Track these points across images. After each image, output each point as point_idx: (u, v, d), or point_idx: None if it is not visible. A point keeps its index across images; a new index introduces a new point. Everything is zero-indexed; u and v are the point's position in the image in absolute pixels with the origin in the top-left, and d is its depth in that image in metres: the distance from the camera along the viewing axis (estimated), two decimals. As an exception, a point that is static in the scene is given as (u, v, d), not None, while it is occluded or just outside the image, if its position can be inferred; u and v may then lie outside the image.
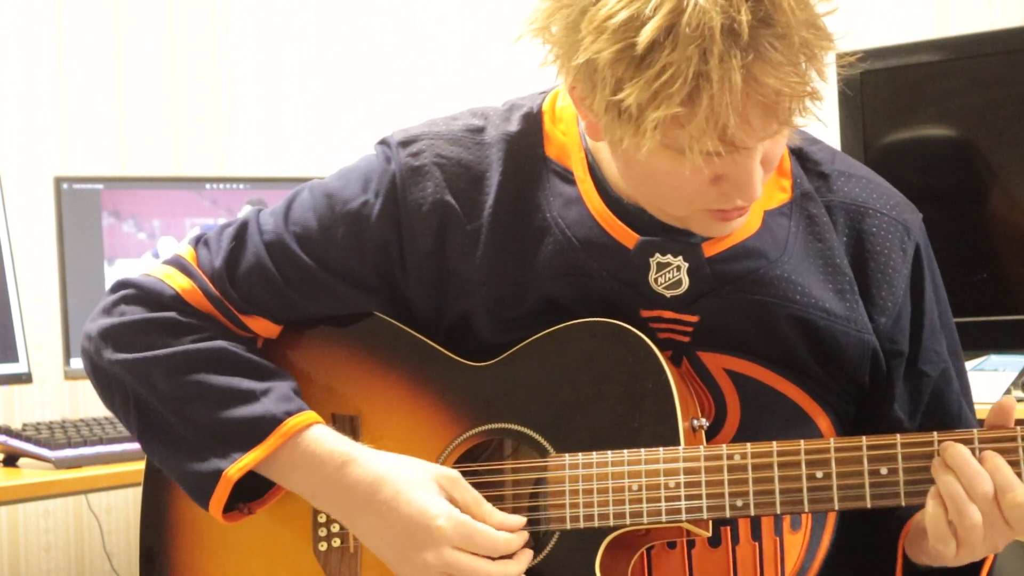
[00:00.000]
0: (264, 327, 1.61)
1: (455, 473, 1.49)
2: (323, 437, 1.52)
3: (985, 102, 2.61)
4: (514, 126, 1.57)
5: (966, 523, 1.37)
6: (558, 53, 1.40)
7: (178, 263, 1.61)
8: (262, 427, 1.51)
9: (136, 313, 1.58)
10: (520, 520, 1.48)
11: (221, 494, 1.51)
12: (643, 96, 1.31)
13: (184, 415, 1.54)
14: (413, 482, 1.47)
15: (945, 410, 1.57)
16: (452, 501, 1.47)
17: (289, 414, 1.52)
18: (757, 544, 1.52)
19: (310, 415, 1.53)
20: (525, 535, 1.48)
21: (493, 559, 1.45)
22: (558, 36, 1.39)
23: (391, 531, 1.46)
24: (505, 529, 1.46)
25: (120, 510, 3.44)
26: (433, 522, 1.44)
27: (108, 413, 2.79)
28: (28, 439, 2.51)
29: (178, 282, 1.59)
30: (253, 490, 1.56)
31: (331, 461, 1.50)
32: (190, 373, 1.54)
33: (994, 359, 2.53)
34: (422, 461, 1.50)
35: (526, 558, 1.47)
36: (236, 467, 1.50)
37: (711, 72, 1.29)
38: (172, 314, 1.57)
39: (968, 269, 2.57)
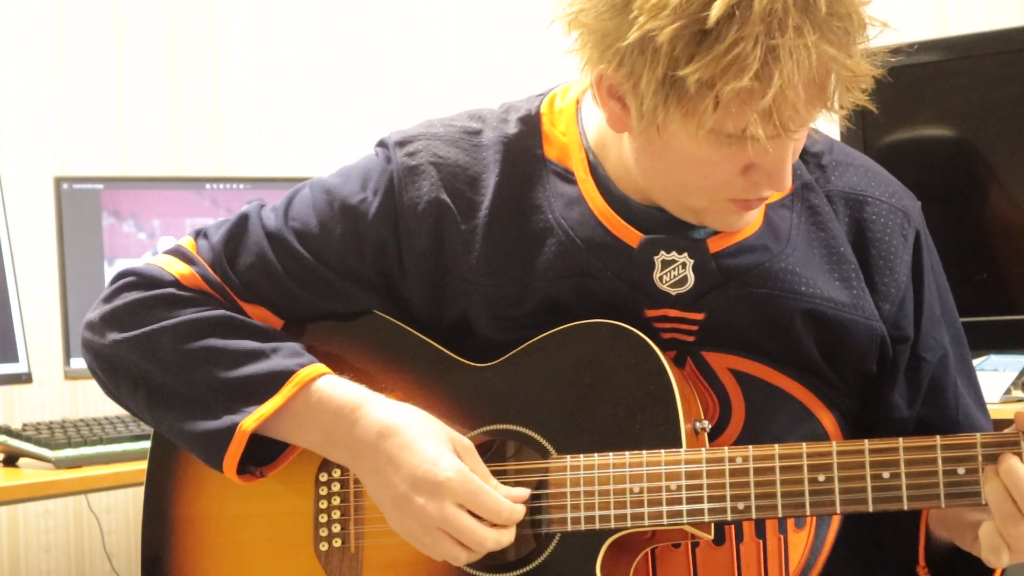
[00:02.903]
0: (263, 316, 1.61)
1: (468, 442, 1.49)
2: (337, 384, 1.52)
3: (985, 102, 2.61)
4: (511, 128, 1.57)
5: (1019, 543, 1.37)
6: (595, 39, 1.38)
7: (178, 252, 1.63)
8: (275, 380, 1.52)
9: (136, 296, 1.59)
10: (525, 491, 1.47)
11: (236, 449, 1.51)
12: (710, 71, 1.30)
13: (194, 381, 1.54)
14: (428, 434, 1.47)
15: (943, 397, 1.57)
16: None
17: (301, 366, 1.53)
18: (761, 542, 1.52)
19: (321, 367, 1.54)
20: (523, 509, 1.47)
21: (491, 526, 1.44)
22: (598, 21, 1.37)
23: (397, 475, 1.46)
24: (510, 500, 1.46)
25: (120, 510, 3.43)
26: (442, 474, 1.44)
27: (108, 413, 2.81)
28: (28, 439, 2.51)
29: (177, 269, 1.60)
30: (263, 459, 1.56)
31: (347, 405, 1.50)
32: (197, 339, 1.55)
33: (994, 359, 2.53)
34: (437, 420, 1.50)
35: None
36: (252, 419, 1.51)
37: (780, 48, 1.28)
38: (171, 290, 1.58)
39: (968, 269, 2.57)
